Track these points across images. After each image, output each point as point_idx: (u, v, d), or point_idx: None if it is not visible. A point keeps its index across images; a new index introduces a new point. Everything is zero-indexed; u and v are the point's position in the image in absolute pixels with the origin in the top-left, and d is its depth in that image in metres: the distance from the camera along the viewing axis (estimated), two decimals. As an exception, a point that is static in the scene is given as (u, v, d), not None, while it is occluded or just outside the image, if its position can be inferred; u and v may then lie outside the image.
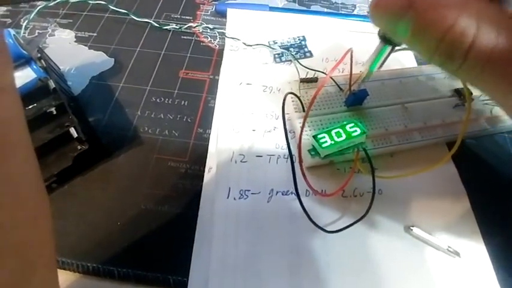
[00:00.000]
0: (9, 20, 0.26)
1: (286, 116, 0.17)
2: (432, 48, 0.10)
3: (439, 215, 0.17)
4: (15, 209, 0.09)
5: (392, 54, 0.15)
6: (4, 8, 0.27)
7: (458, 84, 0.21)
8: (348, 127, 0.17)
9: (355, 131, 0.17)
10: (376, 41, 0.14)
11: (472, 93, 0.20)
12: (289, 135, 0.17)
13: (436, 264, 0.16)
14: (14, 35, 0.18)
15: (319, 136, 0.17)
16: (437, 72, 0.22)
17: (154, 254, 0.16)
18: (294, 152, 0.17)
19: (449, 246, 0.16)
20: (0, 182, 0.08)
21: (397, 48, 0.14)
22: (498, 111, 0.20)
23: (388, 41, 0.14)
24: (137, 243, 0.16)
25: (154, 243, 0.16)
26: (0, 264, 0.08)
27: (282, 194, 0.18)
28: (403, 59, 0.23)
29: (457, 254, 0.16)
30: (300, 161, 0.16)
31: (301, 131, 0.17)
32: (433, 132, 0.19)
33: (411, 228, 0.17)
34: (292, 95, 0.19)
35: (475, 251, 0.16)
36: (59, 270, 0.16)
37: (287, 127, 0.16)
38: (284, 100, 0.17)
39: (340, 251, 0.16)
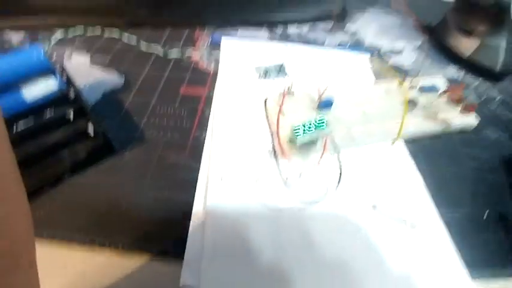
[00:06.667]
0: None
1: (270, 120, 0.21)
2: None
3: (398, 195, 0.21)
4: None
5: (352, 73, 0.20)
6: (22, 35, 0.32)
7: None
8: (316, 121, 0.21)
9: (322, 122, 0.21)
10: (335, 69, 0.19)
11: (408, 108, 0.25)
12: (273, 134, 0.20)
13: (398, 236, 0.19)
14: (42, 49, 0.22)
15: (294, 129, 0.21)
16: (391, 87, 0.27)
17: (154, 233, 0.18)
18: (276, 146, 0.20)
19: (407, 220, 0.19)
20: None
21: None
22: (445, 115, 0.25)
23: None
24: (140, 224, 0.19)
25: (155, 225, 0.19)
26: None
27: (268, 182, 0.21)
28: (363, 77, 0.28)
29: (414, 226, 0.19)
30: (281, 148, 0.20)
31: (278, 121, 0.21)
32: (390, 131, 0.23)
33: (375, 205, 0.20)
34: (274, 105, 0.24)
35: (431, 223, 0.19)
36: (66, 246, 0.18)
37: (270, 130, 0.20)
38: (265, 102, 0.22)
39: (315, 224, 0.19)
